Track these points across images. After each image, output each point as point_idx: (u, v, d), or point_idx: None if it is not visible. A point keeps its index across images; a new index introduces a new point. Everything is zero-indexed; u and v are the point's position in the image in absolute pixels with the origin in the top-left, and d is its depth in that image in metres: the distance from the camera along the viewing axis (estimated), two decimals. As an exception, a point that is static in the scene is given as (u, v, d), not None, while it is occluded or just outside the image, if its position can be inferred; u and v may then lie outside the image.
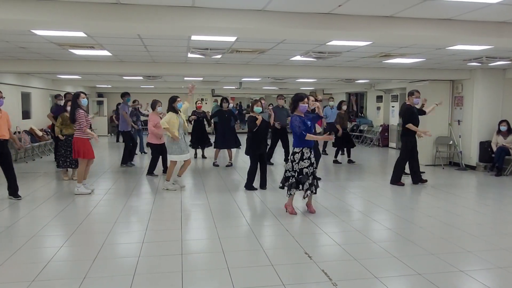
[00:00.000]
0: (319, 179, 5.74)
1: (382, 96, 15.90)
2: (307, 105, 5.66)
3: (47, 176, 8.72)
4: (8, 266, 3.96)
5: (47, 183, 7.94)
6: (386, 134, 15.22)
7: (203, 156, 11.49)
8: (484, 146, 9.79)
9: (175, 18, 4.50)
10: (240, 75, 11.84)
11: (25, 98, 12.20)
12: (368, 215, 5.84)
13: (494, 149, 9.43)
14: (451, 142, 10.72)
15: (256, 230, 5.14)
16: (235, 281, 3.60)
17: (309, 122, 5.61)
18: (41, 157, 11.56)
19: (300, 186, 5.59)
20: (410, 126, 7.72)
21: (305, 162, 5.55)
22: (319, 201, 6.54)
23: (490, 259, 4.17)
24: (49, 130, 13.18)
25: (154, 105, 8.50)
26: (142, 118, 12.34)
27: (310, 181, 5.58)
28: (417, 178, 8.06)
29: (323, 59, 8.42)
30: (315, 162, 5.73)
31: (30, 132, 11.70)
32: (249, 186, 7.32)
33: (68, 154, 7.97)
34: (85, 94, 6.94)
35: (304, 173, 5.54)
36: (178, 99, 7.20)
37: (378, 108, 16.16)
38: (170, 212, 6.03)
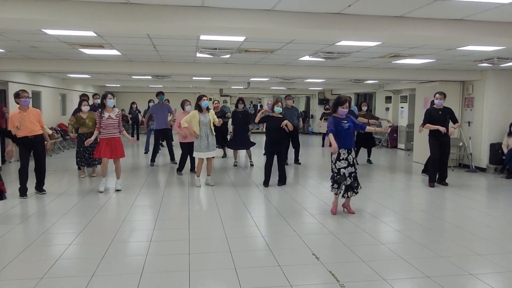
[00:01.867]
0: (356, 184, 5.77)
1: (391, 97, 15.79)
2: (347, 110, 5.62)
3: (57, 174, 8.80)
4: (17, 263, 4.00)
5: (56, 181, 8.01)
6: (395, 135, 15.12)
7: (224, 155, 11.69)
8: (495, 148, 9.68)
9: (184, 17, 4.51)
10: (249, 75, 11.83)
11: (35, 97, 12.32)
12: (377, 216, 5.80)
13: (505, 151, 9.32)
14: (461, 144, 10.60)
15: (264, 230, 5.13)
16: (242, 281, 3.59)
17: (347, 124, 5.60)
18: (50, 155, 11.65)
19: (338, 186, 5.65)
20: (427, 126, 7.78)
21: (342, 163, 5.57)
22: (327, 202, 6.51)
23: (500, 263, 4.12)
24: (59, 129, 13.31)
25: (183, 104, 8.71)
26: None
27: (348, 182, 5.59)
28: (440, 180, 7.99)
29: (332, 60, 8.39)
30: (354, 164, 5.70)
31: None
32: (264, 182, 7.67)
33: (84, 152, 8.18)
34: (112, 95, 7.04)
35: (341, 173, 5.57)
36: (204, 97, 7.33)
37: (387, 109, 16.04)
38: (177, 211, 6.06)
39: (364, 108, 10.80)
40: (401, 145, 14.69)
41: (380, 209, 6.23)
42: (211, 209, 6.18)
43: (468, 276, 3.80)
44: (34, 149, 6.59)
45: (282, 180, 7.76)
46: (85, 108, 8.14)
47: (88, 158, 8.22)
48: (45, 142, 6.73)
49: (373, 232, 5.08)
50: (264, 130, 9.63)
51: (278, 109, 7.56)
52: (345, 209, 5.92)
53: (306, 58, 8.36)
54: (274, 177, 7.85)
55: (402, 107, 14.69)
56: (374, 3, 4.35)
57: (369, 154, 10.91)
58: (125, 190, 7.28)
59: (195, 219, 5.61)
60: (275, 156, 7.63)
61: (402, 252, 4.39)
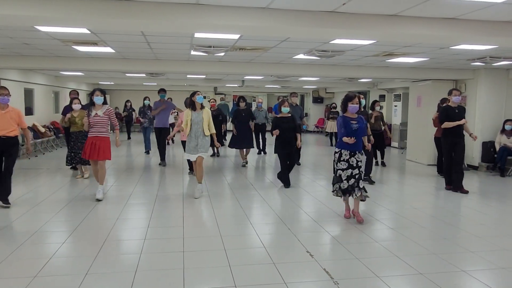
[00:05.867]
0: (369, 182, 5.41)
1: (384, 95, 15.86)
2: (357, 105, 5.31)
3: (49, 172, 8.75)
4: (10, 261, 3.97)
5: (49, 180, 7.96)
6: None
7: (217, 155, 11.60)
8: (487, 146, 9.77)
9: (179, 15, 4.50)
10: (243, 73, 11.82)
11: (28, 94, 12.23)
12: (370, 214, 5.82)
13: (497, 148, 9.40)
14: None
15: (258, 228, 5.14)
16: (237, 279, 3.60)
17: (356, 125, 5.28)
18: (43, 154, 11.59)
19: (338, 187, 5.43)
20: (446, 124, 7.24)
21: (342, 164, 5.31)
22: (322, 201, 6.54)
23: (492, 260, 4.16)
24: (52, 127, 13.21)
25: (186, 103, 8.31)
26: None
27: (344, 186, 5.32)
28: (452, 183, 7.47)
29: (326, 58, 8.40)
30: (360, 166, 5.37)
31: (33, 129, 11.73)
32: (283, 182, 7.50)
33: (71, 151, 8.00)
34: (101, 92, 6.40)
35: (337, 175, 5.35)
36: (198, 92, 6.71)
37: (381, 107, 16.07)
38: (172, 209, 6.04)
39: (378, 108, 9.94)
40: (394, 143, 14.77)
41: (373, 207, 6.26)
42: (205, 207, 6.17)
43: (461, 273, 3.84)
44: (4, 150, 5.84)
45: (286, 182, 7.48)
46: (76, 106, 7.90)
47: (74, 157, 7.94)
48: (23, 144, 6.11)
49: (367, 230, 5.11)
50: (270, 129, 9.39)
51: (285, 109, 7.33)
52: (354, 215, 5.50)
53: (301, 56, 8.37)
54: (272, 175, 7.88)
55: (395, 106, 14.76)
56: (368, 2, 4.37)
57: (382, 156, 10.21)
58: (120, 189, 7.25)
59: (189, 217, 5.60)
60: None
61: (395, 249, 4.42)
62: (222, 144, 11.28)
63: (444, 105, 7.78)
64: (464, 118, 7.26)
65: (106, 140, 6.44)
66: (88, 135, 6.42)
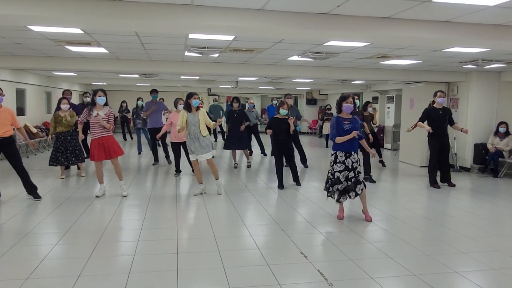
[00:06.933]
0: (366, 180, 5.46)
1: (378, 97, 15.95)
2: (351, 105, 5.38)
3: (41, 173, 8.67)
4: (1, 263, 3.93)
5: (41, 180, 7.88)
6: (381, 135, 15.25)
7: None
8: (479, 148, 9.86)
9: (173, 16, 4.49)
10: (237, 74, 11.82)
11: (20, 94, 12.11)
12: (364, 215, 5.84)
13: (489, 148, 9.49)
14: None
15: (252, 229, 5.14)
16: (231, 281, 3.59)
17: (348, 125, 5.32)
18: (35, 154, 11.48)
19: (331, 189, 5.46)
20: (419, 124, 7.70)
21: (338, 166, 5.35)
22: (315, 202, 6.55)
23: (484, 261, 4.20)
24: (44, 127, 13.11)
25: (176, 103, 8.38)
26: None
27: (343, 187, 5.33)
28: (444, 179, 8.00)
29: (320, 60, 8.43)
30: (358, 166, 5.41)
31: (25, 129, 11.60)
32: (279, 185, 7.54)
33: (56, 152, 7.97)
34: (103, 92, 6.50)
35: (335, 177, 5.35)
36: (195, 95, 6.67)
37: (374, 109, 16.14)
38: (165, 211, 6.01)
39: (370, 109, 9.84)
40: (387, 145, 14.85)
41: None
42: (199, 208, 6.16)
43: (453, 274, 3.87)
44: (4, 152, 5.98)
45: (296, 180, 7.63)
46: (65, 106, 7.82)
47: (61, 158, 7.88)
48: (22, 142, 6.19)
49: (360, 231, 5.13)
50: (264, 130, 8.96)
51: (283, 111, 7.32)
52: (364, 214, 5.61)
53: (295, 58, 8.39)
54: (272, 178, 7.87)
55: (388, 108, 14.85)
56: (363, 4, 4.39)
57: (380, 155, 10.27)
58: (113, 190, 7.20)
59: (183, 218, 5.58)
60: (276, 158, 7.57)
61: (388, 250, 4.44)
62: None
63: (428, 107, 8.03)
64: (451, 120, 7.68)
65: (112, 138, 6.54)
66: (92, 138, 6.43)
